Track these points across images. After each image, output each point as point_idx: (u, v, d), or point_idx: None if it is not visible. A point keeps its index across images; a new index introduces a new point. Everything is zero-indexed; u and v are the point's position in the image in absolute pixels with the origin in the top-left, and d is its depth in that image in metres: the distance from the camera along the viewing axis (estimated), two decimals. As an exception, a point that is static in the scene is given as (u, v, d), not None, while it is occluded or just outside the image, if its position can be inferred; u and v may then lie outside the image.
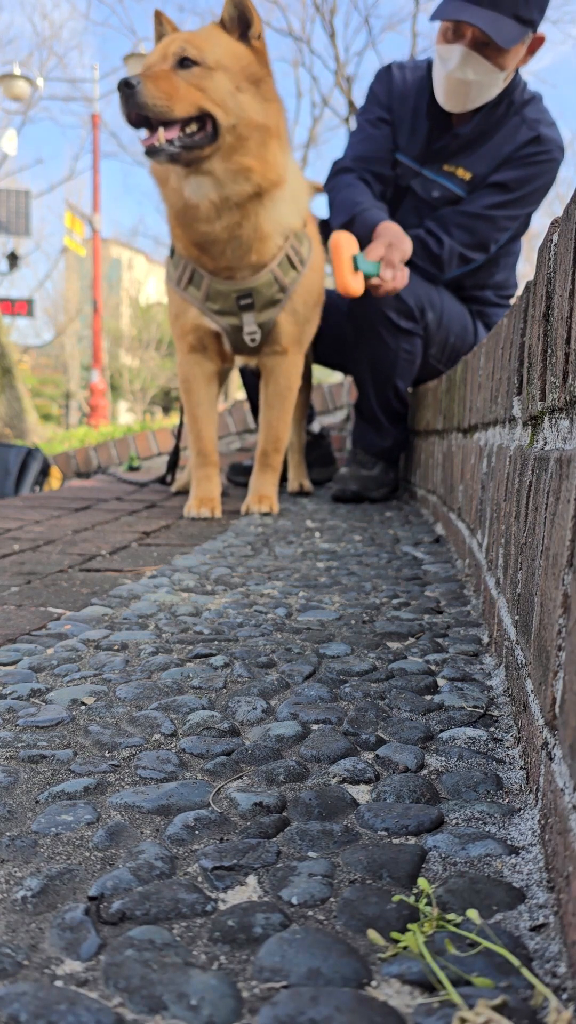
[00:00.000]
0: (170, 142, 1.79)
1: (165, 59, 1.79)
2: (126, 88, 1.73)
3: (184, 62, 1.78)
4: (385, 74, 2.51)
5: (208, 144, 1.82)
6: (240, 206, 1.90)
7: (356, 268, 2.03)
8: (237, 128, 1.82)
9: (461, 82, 2.24)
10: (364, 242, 2.21)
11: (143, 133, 1.82)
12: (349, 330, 2.53)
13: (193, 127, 1.81)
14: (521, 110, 2.36)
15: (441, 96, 2.32)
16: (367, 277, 2.10)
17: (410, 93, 2.45)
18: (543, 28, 2.22)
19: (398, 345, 2.39)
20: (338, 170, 2.49)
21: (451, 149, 2.41)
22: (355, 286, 2.02)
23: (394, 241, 2.14)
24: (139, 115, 1.76)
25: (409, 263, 2.42)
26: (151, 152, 1.80)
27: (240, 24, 1.83)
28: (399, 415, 2.55)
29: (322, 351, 2.69)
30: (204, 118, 1.82)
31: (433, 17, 2.19)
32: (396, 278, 2.15)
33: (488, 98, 2.30)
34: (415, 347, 2.42)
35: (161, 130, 1.78)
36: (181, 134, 1.80)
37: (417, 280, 2.40)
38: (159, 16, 1.94)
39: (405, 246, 2.16)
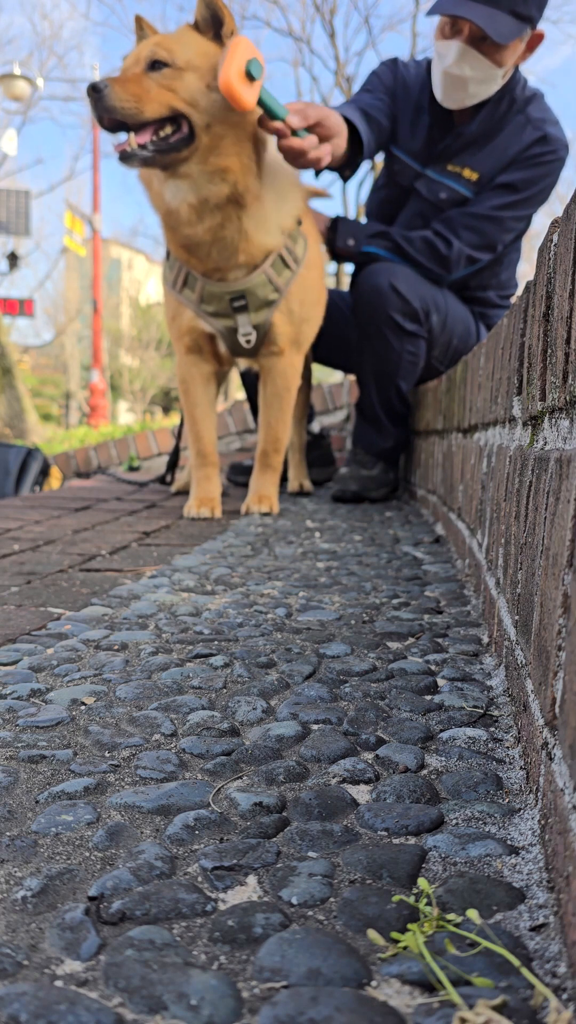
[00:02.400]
0: (142, 146, 1.76)
1: (137, 63, 1.78)
2: (94, 92, 1.72)
3: (155, 64, 1.77)
4: (392, 64, 2.50)
5: (185, 146, 1.81)
6: (220, 208, 1.88)
7: (251, 75, 1.74)
8: (212, 127, 1.80)
9: (458, 78, 2.24)
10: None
11: (122, 137, 1.80)
12: (353, 331, 2.52)
13: (168, 129, 1.79)
14: (524, 108, 2.35)
15: (439, 92, 2.32)
16: (268, 111, 1.82)
17: (413, 87, 2.44)
18: (543, 28, 2.22)
19: (402, 347, 2.39)
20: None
21: (454, 148, 2.41)
22: (237, 86, 1.72)
23: (319, 107, 1.95)
24: (111, 119, 1.74)
25: (415, 264, 2.42)
26: (124, 157, 1.78)
27: (213, 24, 1.82)
28: (401, 416, 2.55)
29: (323, 351, 2.69)
30: (179, 119, 1.80)
31: (430, 12, 2.18)
32: (308, 140, 1.87)
33: (486, 95, 2.29)
34: (419, 349, 2.42)
35: (132, 135, 1.76)
36: (155, 137, 1.78)
37: (422, 282, 2.40)
38: (139, 21, 1.94)
39: (329, 115, 1.94)
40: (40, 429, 8.69)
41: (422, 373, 2.51)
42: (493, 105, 2.34)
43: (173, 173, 1.86)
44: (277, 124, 1.86)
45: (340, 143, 2.03)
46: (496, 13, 2.09)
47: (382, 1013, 0.35)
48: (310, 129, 1.94)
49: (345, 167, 2.31)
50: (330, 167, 2.26)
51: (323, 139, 1.96)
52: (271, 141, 1.95)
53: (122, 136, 1.80)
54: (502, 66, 2.20)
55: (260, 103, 1.81)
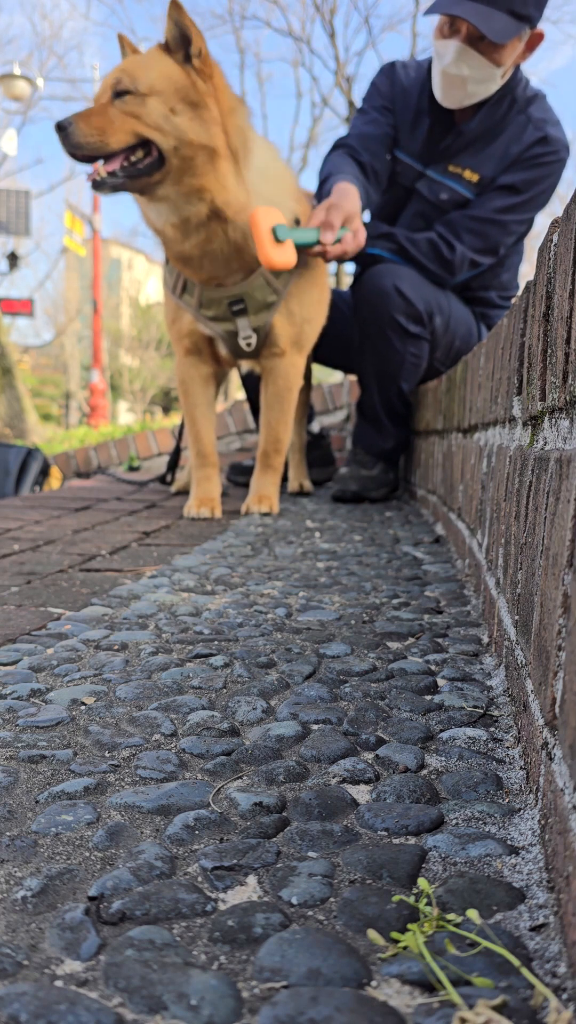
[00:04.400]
0: (112, 174, 1.81)
1: (104, 92, 1.81)
2: (60, 131, 1.77)
3: (120, 93, 1.79)
4: (389, 70, 2.51)
5: (156, 170, 1.83)
6: (204, 225, 1.89)
7: (279, 239, 1.88)
8: (180, 150, 1.81)
9: (456, 78, 2.25)
10: None
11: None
12: (354, 331, 2.52)
13: (139, 154, 1.82)
14: (526, 108, 2.35)
15: (438, 92, 2.33)
16: (304, 247, 1.98)
17: (412, 90, 2.45)
18: (543, 28, 2.22)
19: (405, 349, 2.39)
20: (335, 146, 2.48)
21: (455, 148, 2.41)
22: (278, 258, 1.87)
23: (336, 201, 2.05)
24: (81, 154, 1.79)
25: (419, 266, 2.42)
26: (95, 185, 1.83)
27: (183, 44, 1.81)
28: (402, 416, 2.55)
29: (324, 351, 2.69)
30: (148, 144, 1.82)
31: (427, 11, 2.19)
32: (346, 241, 2.03)
33: (485, 94, 2.29)
34: (422, 351, 2.43)
35: (100, 163, 1.81)
36: (126, 163, 1.81)
37: (426, 284, 2.40)
38: (121, 40, 1.96)
39: (348, 204, 2.06)
40: (40, 429, 8.69)
41: (423, 374, 2.51)
42: (494, 105, 2.34)
43: (151, 197, 1.88)
44: (317, 249, 2.00)
45: (359, 221, 2.12)
46: (493, 12, 2.09)
47: (382, 1013, 0.35)
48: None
49: None
50: None
51: (351, 225, 2.07)
52: (255, 149, 1.93)
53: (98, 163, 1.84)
54: (500, 65, 2.20)
55: (296, 247, 1.95)
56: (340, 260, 2.11)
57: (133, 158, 1.82)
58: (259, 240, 1.86)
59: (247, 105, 1.94)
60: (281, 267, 1.89)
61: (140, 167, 1.82)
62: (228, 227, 1.90)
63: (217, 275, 1.98)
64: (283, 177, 2.07)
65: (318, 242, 1.99)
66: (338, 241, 2.03)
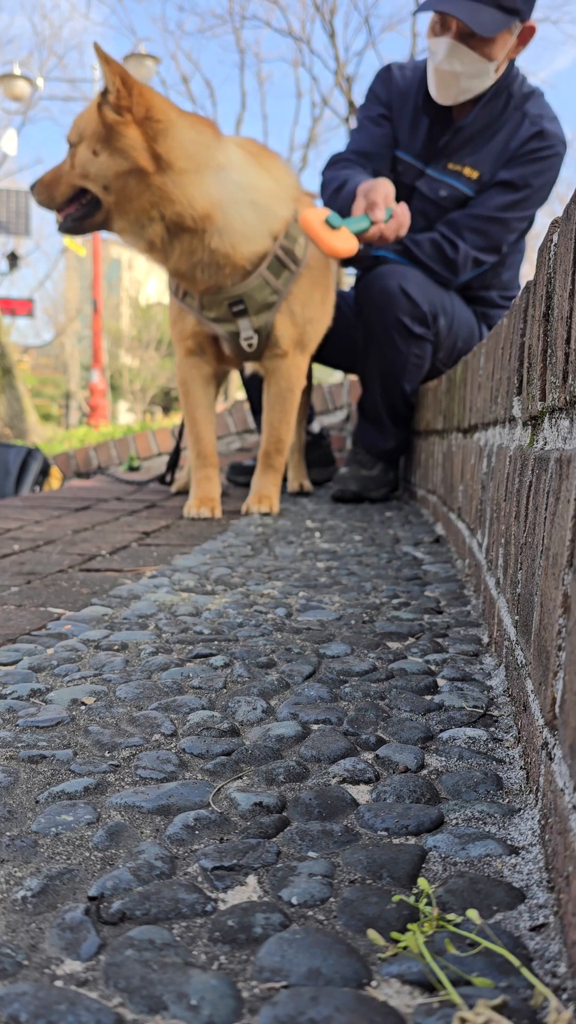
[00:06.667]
0: (65, 219, 1.99)
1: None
2: (31, 191, 2.05)
3: (71, 145, 1.94)
4: (385, 73, 2.53)
5: (97, 209, 1.94)
6: (175, 239, 1.90)
7: (334, 227, 1.93)
8: (109, 187, 1.87)
9: (449, 74, 2.26)
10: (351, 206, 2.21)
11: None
12: (355, 331, 2.53)
13: (88, 197, 1.95)
14: (522, 105, 2.36)
15: (433, 89, 2.34)
16: (359, 233, 2.02)
17: (410, 91, 2.46)
18: (545, 28, 2.24)
19: (409, 350, 2.40)
20: (335, 161, 2.50)
21: (454, 145, 2.41)
22: (341, 245, 1.92)
23: (370, 186, 2.09)
24: (45, 208, 2.04)
25: (423, 267, 2.42)
26: (60, 230, 2.04)
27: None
28: (403, 417, 2.55)
29: (326, 352, 2.68)
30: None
31: (417, 10, 2.22)
32: (398, 215, 2.06)
33: (480, 89, 2.30)
34: (425, 352, 2.43)
35: (56, 213, 2.02)
36: (78, 206, 1.97)
37: (431, 285, 2.40)
38: (96, 50, 1.99)
39: (382, 186, 2.10)
40: (40, 429, 8.70)
41: (425, 375, 2.51)
42: (490, 101, 2.35)
43: (113, 230, 1.97)
44: (374, 230, 2.05)
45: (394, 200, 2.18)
46: (479, 7, 2.10)
47: (382, 1013, 0.35)
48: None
49: None
50: None
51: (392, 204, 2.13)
52: (219, 159, 1.91)
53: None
54: (492, 60, 2.21)
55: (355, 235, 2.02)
56: (395, 240, 2.14)
57: (84, 201, 1.96)
58: (316, 235, 1.91)
59: (205, 119, 1.94)
60: (346, 253, 1.94)
61: (84, 209, 1.96)
62: (204, 237, 1.90)
63: (213, 283, 1.98)
64: (267, 181, 2.01)
65: (371, 224, 2.03)
66: (389, 219, 2.07)
